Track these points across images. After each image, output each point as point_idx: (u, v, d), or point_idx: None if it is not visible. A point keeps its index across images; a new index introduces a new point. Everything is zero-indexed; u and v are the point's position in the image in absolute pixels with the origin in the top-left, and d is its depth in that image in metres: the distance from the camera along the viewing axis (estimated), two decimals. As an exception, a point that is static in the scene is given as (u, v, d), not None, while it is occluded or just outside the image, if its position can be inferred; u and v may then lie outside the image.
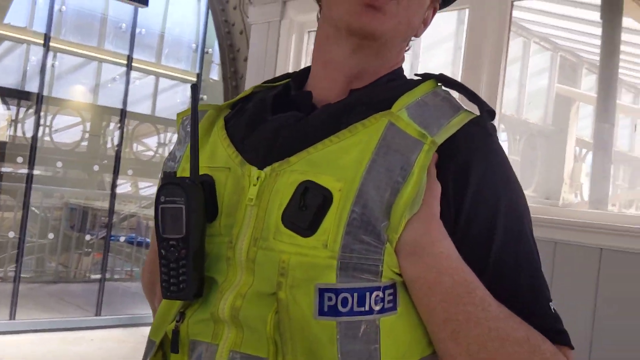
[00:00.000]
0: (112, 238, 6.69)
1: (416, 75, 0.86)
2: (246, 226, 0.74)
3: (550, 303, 0.77)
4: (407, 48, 0.90)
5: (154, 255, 0.77)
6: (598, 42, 3.91)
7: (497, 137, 0.82)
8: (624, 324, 2.06)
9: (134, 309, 6.00)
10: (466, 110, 0.81)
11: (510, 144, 6.32)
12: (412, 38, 0.89)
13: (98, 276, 6.19)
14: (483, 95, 2.59)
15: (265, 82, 0.95)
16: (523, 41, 5.99)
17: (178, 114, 0.90)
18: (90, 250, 6.96)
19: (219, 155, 0.82)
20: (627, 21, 3.49)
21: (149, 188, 8.82)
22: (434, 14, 0.90)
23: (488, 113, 0.82)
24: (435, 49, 5.96)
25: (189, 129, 0.86)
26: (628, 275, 2.07)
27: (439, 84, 0.84)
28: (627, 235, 2.10)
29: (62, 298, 6.34)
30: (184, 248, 0.73)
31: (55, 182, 7.55)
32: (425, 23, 0.89)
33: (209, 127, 0.86)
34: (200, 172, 0.78)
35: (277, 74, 3.46)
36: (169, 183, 0.74)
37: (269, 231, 0.72)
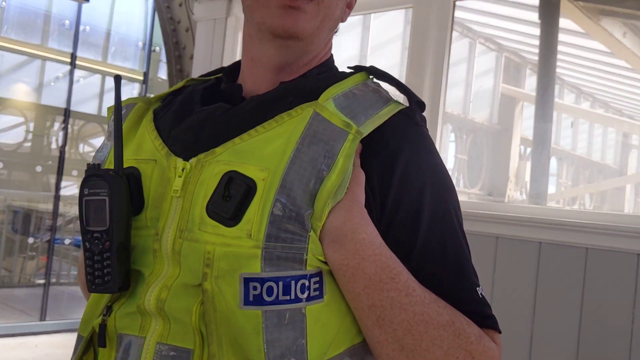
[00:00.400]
0: (57, 241, 6.52)
1: (348, 67, 0.87)
2: (172, 218, 0.74)
3: (478, 288, 0.79)
4: (335, 31, 0.90)
5: None
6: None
7: (425, 128, 0.83)
8: (562, 313, 2.13)
9: (80, 313, 5.86)
10: (396, 101, 0.82)
11: (458, 143, 6.43)
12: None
13: (43, 281, 6.02)
14: (427, 94, 2.62)
15: (200, 76, 0.95)
16: (469, 42, 6.11)
17: (108, 108, 0.89)
18: (34, 254, 6.76)
19: (145, 147, 0.81)
20: (566, 23, 3.59)
21: (97, 190, 8.60)
22: None
23: (417, 104, 0.83)
24: (383, 49, 6.02)
25: None
26: (566, 267, 2.14)
27: (370, 76, 0.85)
28: (564, 229, 2.16)
29: (5, 303, 6.15)
30: (107, 240, 0.72)
31: (-3, 183, 7.31)
32: (350, 6, 0.89)
33: (137, 120, 0.86)
34: (127, 165, 0.77)
35: (224, 72, 3.43)
36: (92, 175, 0.73)
37: (193, 222, 0.72)
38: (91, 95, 8.22)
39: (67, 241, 6.71)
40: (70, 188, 7.75)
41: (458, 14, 2.71)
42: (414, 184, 0.77)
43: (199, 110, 0.82)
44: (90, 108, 8.19)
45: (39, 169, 7.41)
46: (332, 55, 0.91)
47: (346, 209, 0.72)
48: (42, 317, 5.68)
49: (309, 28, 0.80)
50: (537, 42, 5.13)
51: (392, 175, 0.76)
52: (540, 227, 2.22)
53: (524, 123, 7.00)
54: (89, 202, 0.73)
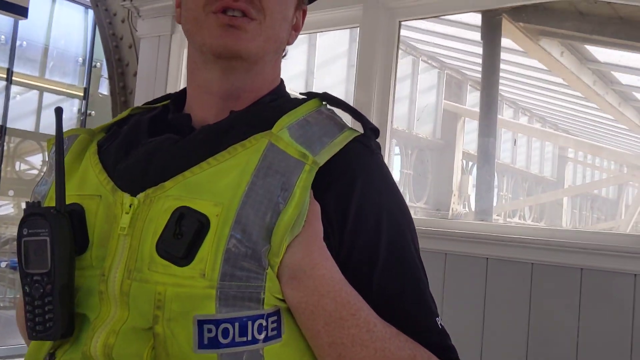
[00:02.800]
0: (-7, 264, 6.25)
1: (301, 94, 0.85)
2: (119, 257, 0.70)
3: (437, 319, 0.78)
4: (283, 55, 0.88)
5: None
6: (480, 60, 4.13)
7: (380, 155, 0.82)
8: (510, 328, 2.16)
9: (19, 338, 5.62)
10: (350, 128, 0.80)
11: (403, 158, 6.52)
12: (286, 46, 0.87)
13: (-23, 305, 5.75)
14: (375, 110, 2.64)
15: (145, 104, 0.91)
16: (412, 59, 6.23)
17: (48, 140, 0.83)
18: (-33, 278, 6.46)
19: (89, 182, 0.76)
20: (505, 42, 3.70)
21: (34, 209, 8.32)
22: (304, 16, 0.89)
23: (372, 131, 0.81)
24: (329, 66, 6.07)
25: None
26: (513, 282, 2.17)
27: (323, 102, 0.83)
28: (510, 245, 2.20)
29: None
30: (49, 283, 0.68)
31: None
32: (297, 28, 0.88)
33: (80, 153, 0.81)
34: (69, 201, 0.73)
35: (168, 89, 3.36)
36: (31, 214, 0.69)
37: (143, 262, 0.68)
38: (28, 112, 7.95)
39: (3, 264, 6.43)
40: (7, 207, 7.46)
41: (402, 32, 2.75)
42: (370, 214, 0.75)
43: (146, 141, 0.78)
44: (27, 125, 7.93)
45: (-28, 189, 7.09)
46: (282, 81, 0.89)
47: (304, 243, 0.69)
48: (-23, 344, 5.41)
49: (252, 47, 0.78)
50: (477, 59, 5.26)
51: (348, 206, 0.74)
52: (487, 243, 2.25)
53: (466, 138, 7.17)
54: (28, 242, 0.68)
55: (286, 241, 0.68)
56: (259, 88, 0.83)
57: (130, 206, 0.71)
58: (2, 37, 6.99)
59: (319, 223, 0.72)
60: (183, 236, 0.67)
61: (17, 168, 7.89)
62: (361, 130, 0.81)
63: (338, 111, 0.85)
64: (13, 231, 7.64)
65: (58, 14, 7.87)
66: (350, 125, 0.82)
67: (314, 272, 0.69)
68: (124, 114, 0.89)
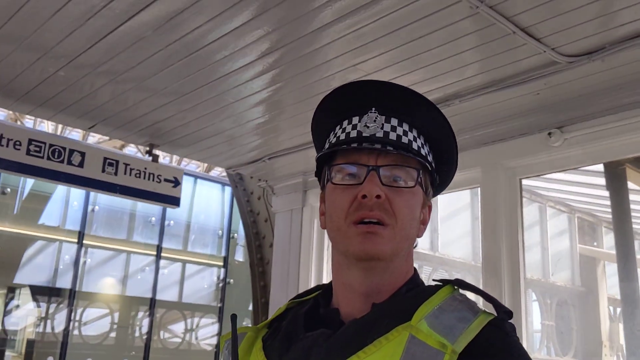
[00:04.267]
0: None
1: (434, 280, 0.94)
2: None
3: None
4: (414, 246, 0.99)
5: None
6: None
7: (516, 337, 0.88)
8: None
9: None
10: (484, 311, 0.87)
11: (542, 309, 6.19)
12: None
13: None
14: (505, 262, 2.64)
15: (296, 297, 1.04)
16: (538, 206, 6.13)
17: (221, 337, 0.99)
18: None
19: None
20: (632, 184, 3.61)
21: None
22: (430, 210, 1.00)
23: (505, 314, 0.88)
24: (452, 219, 6.11)
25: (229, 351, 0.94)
26: None
27: (455, 287, 0.92)
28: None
29: None
30: None
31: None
32: (424, 222, 0.99)
33: (248, 349, 0.95)
34: None
35: (302, 258, 3.54)
36: None
37: None
38: (171, 283, 8.53)
39: None
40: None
41: (524, 182, 2.79)
42: None
43: (303, 336, 0.91)
44: (171, 295, 8.47)
45: (125, 361, 7.52)
46: (415, 270, 0.99)
47: None
48: None
49: (387, 249, 0.90)
50: (608, 201, 5.09)
51: None
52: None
53: (609, 282, 6.72)
54: None
55: None
56: (396, 281, 0.94)
57: None
58: (153, 218, 7.81)
59: None
60: None
61: (161, 337, 8.32)
62: (492, 309, 0.88)
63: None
64: (157, 401, 7.87)
65: (199, 193, 8.70)
66: (482, 307, 0.89)
67: None
68: (282, 309, 1.03)
